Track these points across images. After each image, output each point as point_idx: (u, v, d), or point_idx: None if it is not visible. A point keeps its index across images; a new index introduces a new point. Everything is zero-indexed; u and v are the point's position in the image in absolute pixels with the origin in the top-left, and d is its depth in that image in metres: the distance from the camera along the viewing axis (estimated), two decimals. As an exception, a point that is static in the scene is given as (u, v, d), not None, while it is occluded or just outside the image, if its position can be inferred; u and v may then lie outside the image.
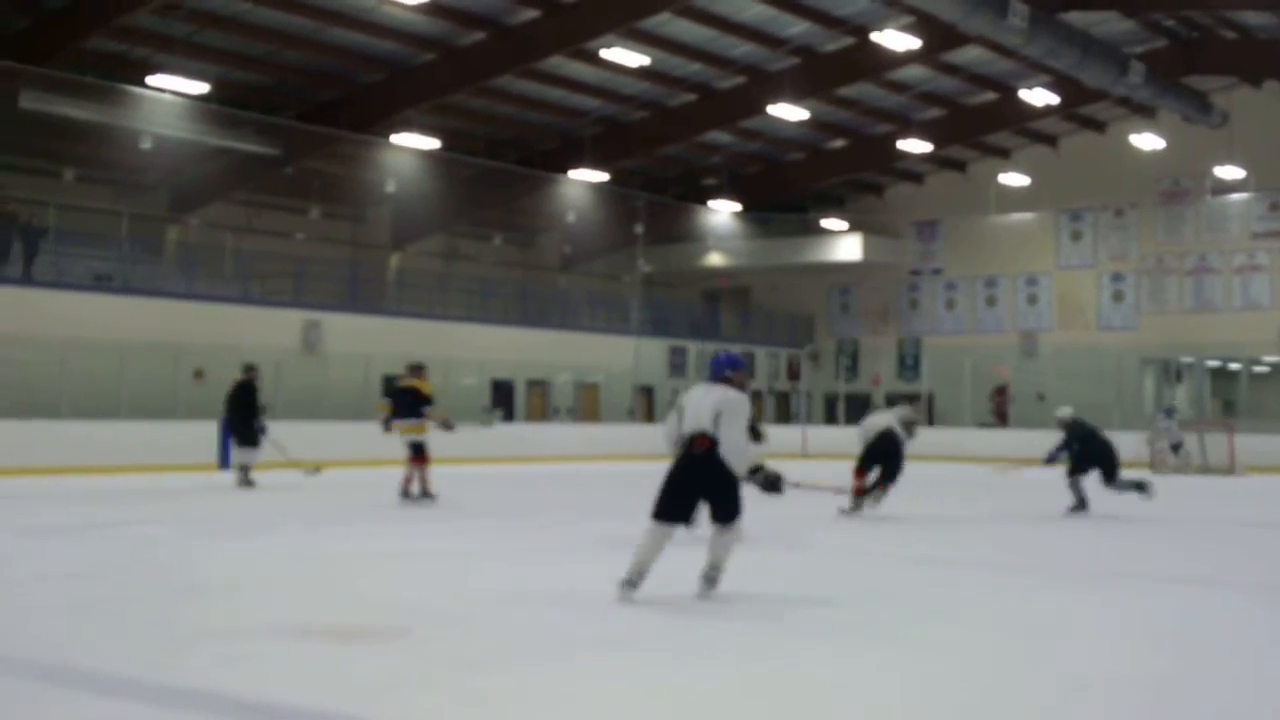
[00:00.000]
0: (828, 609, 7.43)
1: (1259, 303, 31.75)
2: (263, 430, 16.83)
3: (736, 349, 36.37)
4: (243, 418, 16.79)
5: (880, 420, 13.65)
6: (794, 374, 37.66)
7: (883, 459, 13.26)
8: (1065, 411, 14.78)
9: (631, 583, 7.33)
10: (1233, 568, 10.04)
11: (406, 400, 14.49)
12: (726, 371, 7.64)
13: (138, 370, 21.67)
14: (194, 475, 19.29)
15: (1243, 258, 32.24)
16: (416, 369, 14.76)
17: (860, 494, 13.24)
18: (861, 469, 13.29)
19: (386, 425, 14.72)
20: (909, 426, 13.53)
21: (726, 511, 7.36)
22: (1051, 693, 5.38)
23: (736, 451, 7.28)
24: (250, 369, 17.28)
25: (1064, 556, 10.57)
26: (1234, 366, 32.70)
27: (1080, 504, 14.15)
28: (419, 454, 14.41)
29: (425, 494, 14.46)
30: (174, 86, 23.00)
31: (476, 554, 10.10)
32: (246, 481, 16.55)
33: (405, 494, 14.42)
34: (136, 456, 19.41)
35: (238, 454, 16.86)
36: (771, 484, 7.77)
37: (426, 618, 6.87)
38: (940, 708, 5.09)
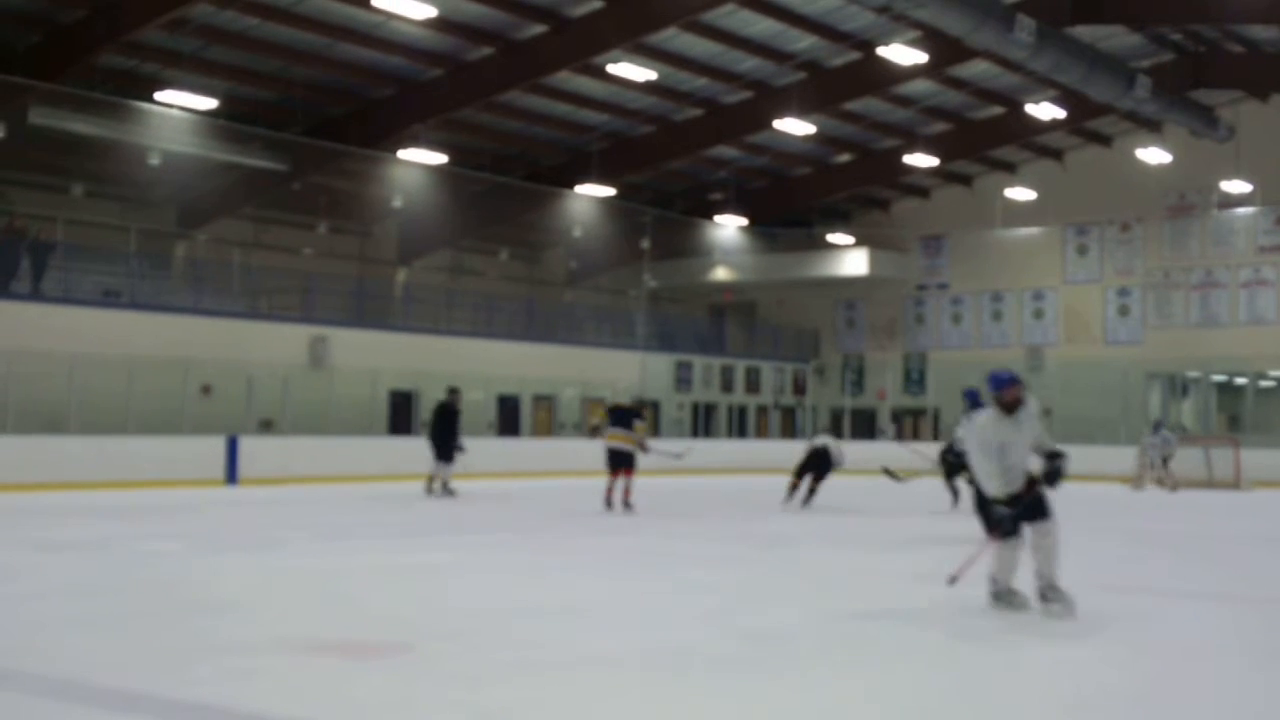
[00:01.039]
0: (825, 628, 7.43)
1: (1265, 317, 31.72)
2: (460, 448, 18.50)
3: (742, 364, 36.49)
4: (444, 435, 18.42)
5: (819, 439, 17.64)
6: (800, 389, 37.67)
7: (815, 468, 17.14)
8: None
9: (1000, 594, 7.72)
10: (1229, 582, 10.03)
11: (623, 415, 16.38)
12: (991, 391, 7.75)
13: (145, 385, 21.74)
14: (202, 490, 19.36)
15: (1249, 272, 32.22)
16: (637, 402, 17.90)
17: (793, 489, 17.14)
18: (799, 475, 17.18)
19: (596, 431, 16.47)
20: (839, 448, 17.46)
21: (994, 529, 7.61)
22: (1047, 708, 5.38)
23: (977, 476, 7.71)
24: (453, 391, 19.06)
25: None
26: (1240, 381, 32.66)
27: (955, 500, 16.63)
28: (627, 465, 15.90)
29: (626, 504, 15.85)
30: (182, 102, 23.10)
31: (482, 568, 10.12)
32: (448, 491, 18.24)
33: (625, 504, 15.83)
34: (144, 471, 19.43)
35: (436, 468, 18.50)
36: (993, 523, 7.60)
37: (432, 633, 6.89)
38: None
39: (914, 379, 36.81)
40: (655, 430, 33.20)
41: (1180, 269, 33.09)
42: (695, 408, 34.91)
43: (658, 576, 9.79)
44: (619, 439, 15.91)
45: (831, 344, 38.85)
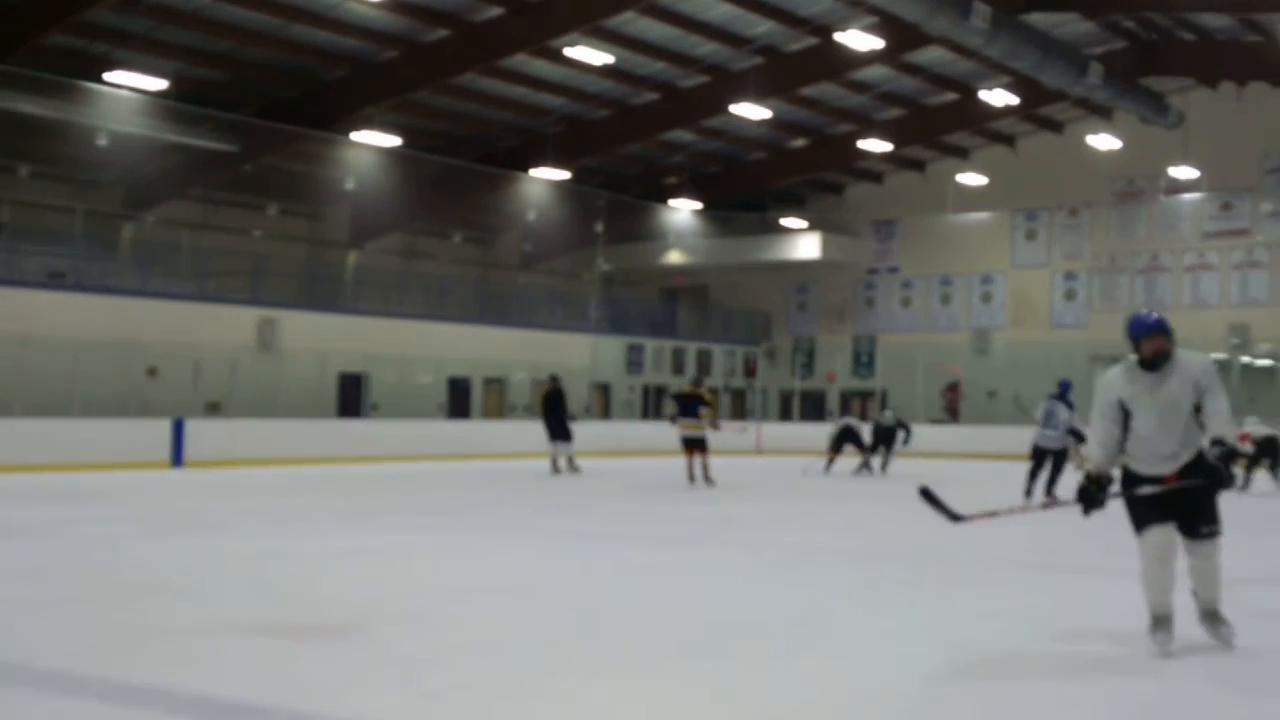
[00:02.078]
0: (773, 608, 7.49)
1: (1208, 301, 32.20)
2: (572, 417, 20.83)
3: (693, 346, 36.56)
4: (557, 417, 20.28)
5: (844, 419, 22.90)
6: (750, 371, 37.83)
7: (851, 440, 21.70)
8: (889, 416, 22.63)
9: (1155, 622, 5.99)
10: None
11: (690, 404, 18.15)
12: (1128, 337, 6.35)
13: (92, 368, 21.47)
14: (148, 473, 19.21)
15: (1193, 257, 32.69)
16: (698, 382, 19.41)
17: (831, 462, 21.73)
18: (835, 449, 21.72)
19: (674, 420, 18.40)
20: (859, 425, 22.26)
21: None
22: (990, 680, 5.46)
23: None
24: (555, 379, 21.04)
25: (994, 551, 10.69)
26: (1184, 364, 33.15)
27: (864, 466, 21.62)
28: (700, 447, 17.86)
29: (707, 479, 17.72)
30: (132, 83, 22.82)
31: (431, 550, 10.12)
32: (574, 469, 20.14)
33: (705, 479, 17.74)
34: (91, 454, 19.25)
35: (555, 447, 20.28)
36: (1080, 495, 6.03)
37: (380, 614, 6.89)
38: (882, 708, 5.16)
39: (863, 362, 37.05)
40: (606, 413, 33.36)
41: (1127, 254, 33.51)
42: (646, 390, 34.97)
43: (606, 557, 9.83)
44: (690, 427, 17.99)
45: (783, 327, 39.02)
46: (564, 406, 20.54)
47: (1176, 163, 30.86)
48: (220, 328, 24.46)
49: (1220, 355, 32.30)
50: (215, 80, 25.59)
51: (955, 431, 29.32)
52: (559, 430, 20.29)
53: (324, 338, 25.97)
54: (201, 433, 21.10)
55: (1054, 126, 33.66)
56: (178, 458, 20.56)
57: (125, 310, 23.13)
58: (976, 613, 7.28)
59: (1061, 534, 12.57)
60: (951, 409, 34.03)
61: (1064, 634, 6.69)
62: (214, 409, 23.71)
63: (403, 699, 5.02)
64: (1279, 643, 6.50)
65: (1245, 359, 31.71)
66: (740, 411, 36.83)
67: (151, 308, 23.68)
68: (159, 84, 22.90)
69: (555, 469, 20.18)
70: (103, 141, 24.79)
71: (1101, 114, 32.06)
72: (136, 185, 28.75)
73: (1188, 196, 32.48)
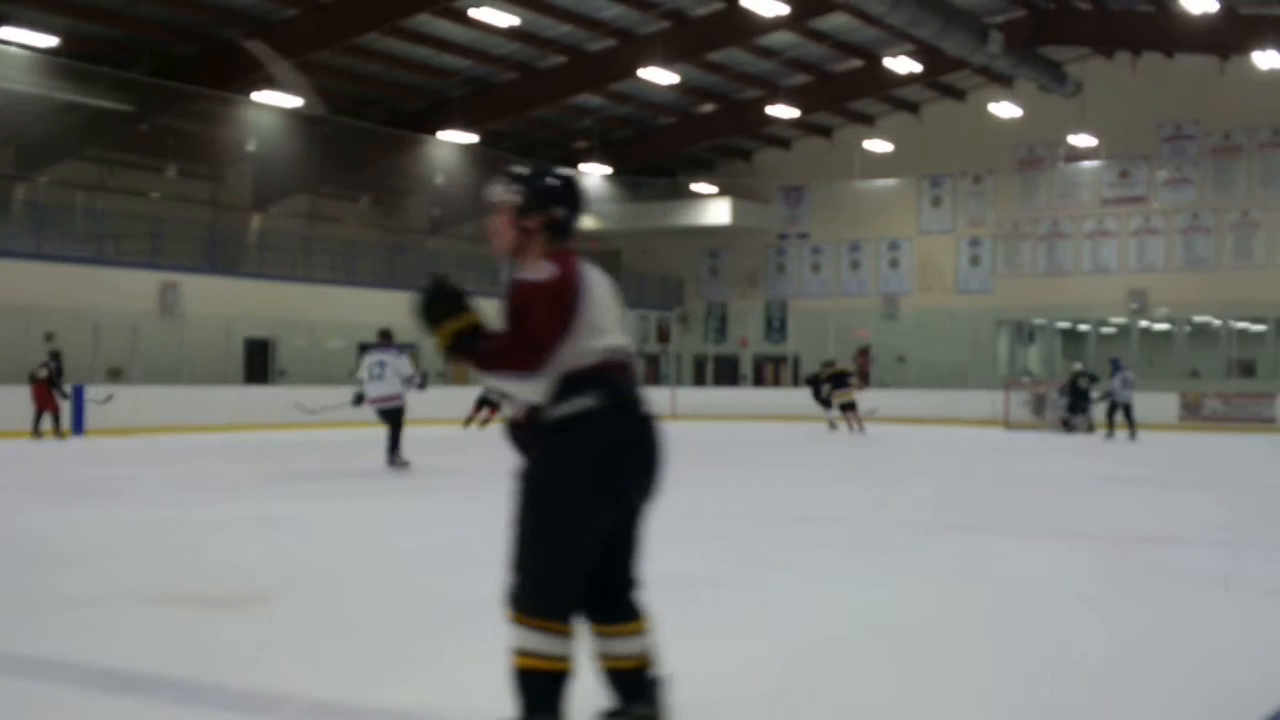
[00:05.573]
0: (690, 571, 7.52)
1: (1107, 267, 32.94)
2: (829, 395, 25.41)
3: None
4: (817, 390, 25.98)
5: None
6: (664, 337, 37.91)
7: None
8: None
9: None
10: (1076, 520, 10.44)
11: (841, 379, 24.56)
12: None
13: (-15, 334, 20.91)
14: (48, 440, 18.74)
15: (1093, 224, 33.39)
16: (830, 363, 26.03)
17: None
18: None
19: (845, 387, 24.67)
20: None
21: None
22: (876, 649, 5.55)
23: None
24: (830, 363, 26.65)
25: (899, 511, 10.88)
26: (1083, 328, 33.94)
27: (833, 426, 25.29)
28: (853, 408, 24.16)
29: (859, 427, 23.77)
30: (21, 39, 22.15)
31: (348, 517, 10.01)
32: (834, 427, 25.09)
33: (860, 428, 23.78)
34: (-14, 423, 18.76)
35: (830, 412, 25.43)
36: None
37: (291, 583, 6.79)
38: (771, 670, 5.21)
39: (775, 327, 37.34)
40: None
41: (1029, 220, 34.13)
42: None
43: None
44: (842, 396, 24.26)
45: (695, 292, 39.15)
46: (821, 382, 26.09)
47: (1075, 131, 31.47)
48: (119, 292, 23.90)
49: (1120, 319, 33.16)
50: (109, 37, 24.87)
51: (867, 396, 29.70)
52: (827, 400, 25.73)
53: (228, 302, 25.52)
54: (102, 399, 20.63)
55: (957, 94, 34.08)
56: (78, 425, 20.12)
57: (19, 274, 22.52)
58: (884, 574, 7.38)
59: (972, 495, 12.83)
60: (863, 374, 34.49)
61: (972, 595, 6.82)
62: (115, 375, 23.21)
63: (313, 670, 4.95)
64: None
65: (1144, 323, 32.56)
66: (655, 378, 36.90)
67: (47, 271, 23.08)
68: (50, 41, 22.27)
69: (833, 426, 25.29)
70: (-8, 100, 24.06)
71: (1002, 82, 32.52)
72: (28, 145, 27.88)
73: (1087, 164, 33.14)
